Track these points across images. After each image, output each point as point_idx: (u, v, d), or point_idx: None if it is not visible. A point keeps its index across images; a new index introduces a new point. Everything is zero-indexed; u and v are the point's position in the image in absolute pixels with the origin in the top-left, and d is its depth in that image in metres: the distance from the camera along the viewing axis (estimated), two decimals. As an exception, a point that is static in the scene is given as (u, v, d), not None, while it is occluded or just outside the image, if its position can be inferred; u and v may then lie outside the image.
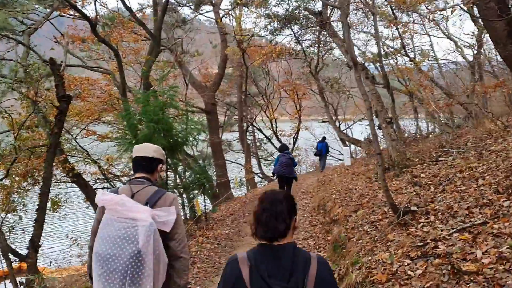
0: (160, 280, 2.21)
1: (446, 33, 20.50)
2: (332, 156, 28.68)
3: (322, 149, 16.85)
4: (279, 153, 9.50)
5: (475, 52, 18.63)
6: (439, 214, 4.33)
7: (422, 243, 3.75)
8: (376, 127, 11.73)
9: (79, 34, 16.09)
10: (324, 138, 17.53)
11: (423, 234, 3.95)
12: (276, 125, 23.06)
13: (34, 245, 6.17)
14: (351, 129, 24.74)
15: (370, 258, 4.05)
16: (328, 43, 19.00)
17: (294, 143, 23.08)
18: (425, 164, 7.46)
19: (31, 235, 6.32)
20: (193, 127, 7.72)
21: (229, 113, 23.88)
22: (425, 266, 3.37)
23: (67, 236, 9.53)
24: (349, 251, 4.82)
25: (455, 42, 20.07)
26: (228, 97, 24.02)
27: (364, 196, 6.86)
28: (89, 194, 12.46)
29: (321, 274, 1.63)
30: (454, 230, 3.75)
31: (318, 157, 17.72)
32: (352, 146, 20.43)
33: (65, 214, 11.45)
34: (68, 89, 13.70)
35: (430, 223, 4.19)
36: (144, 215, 2.16)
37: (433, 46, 27.58)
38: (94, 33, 9.59)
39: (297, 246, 1.72)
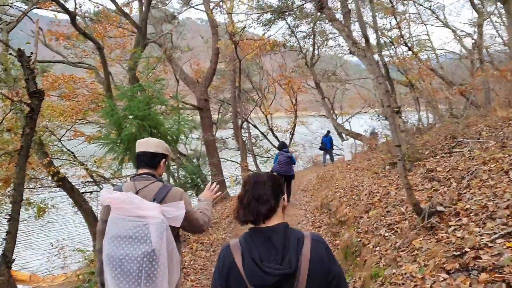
0: (175, 277, 2.15)
1: (443, 21, 19.95)
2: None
3: (326, 143, 16.76)
4: (278, 152, 9.69)
5: (474, 39, 18.12)
6: (471, 214, 3.69)
7: (458, 252, 3.11)
8: (381, 118, 11.12)
9: (63, 31, 15.35)
10: (328, 132, 17.35)
11: (457, 241, 3.30)
12: (271, 121, 22.37)
13: (7, 260, 5.45)
14: (349, 122, 24.10)
15: (394, 270, 3.41)
16: (323, 34, 18.37)
17: (290, 139, 22.40)
18: (438, 156, 6.83)
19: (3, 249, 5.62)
20: (182, 123, 7.03)
21: (223, 110, 23.15)
22: (468, 282, 2.72)
23: (52, 245, 8.78)
24: (365, 259, 4.18)
25: (453, 31, 19.53)
26: (221, 93, 23.28)
27: (374, 194, 6.21)
28: (76, 199, 11.73)
29: (315, 252, 1.55)
30: (497, 236, 3.10)
31: (322, 151, 17.50)
32: (351, 140, 19.82)
33: (48, 222, 10.70)
34: (51, 88, 12.97)
35: (463, 226, 3.54)
36: (154, 212, 2.09)
37: (429, 36, 26.93)
38: (74, 25, 8.88)
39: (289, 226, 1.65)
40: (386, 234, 4.31)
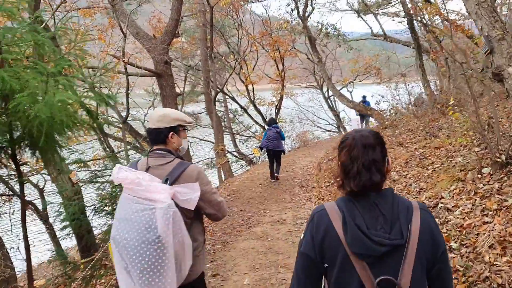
0: (187, 264, 1.99)
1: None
2: (318, 127, 24.62)
3: (370, 107, 14.36)
4: (267, 127, 9.48)
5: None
6: None
7: None
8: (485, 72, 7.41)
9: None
10: (364, 97, 14.71)
11: None
12: (253, 92, 18.36)
13: None
14: (350, 92, 20.37)
15: None
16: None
17: (277, 114, 18.52)
18: None
19: None
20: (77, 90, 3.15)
21: (194, 79, 18.99)
22: None
23: None
24: None
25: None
26: (191, 58, 19.09)
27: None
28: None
29: (425, 223, 1.35)
30: None
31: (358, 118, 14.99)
32: (352, 116, 16.24)
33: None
34: None
35: None
36: (162, 195, 1.91)
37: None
38: None
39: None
40: None
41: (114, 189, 5.10)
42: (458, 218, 3.47)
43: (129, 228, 1.88)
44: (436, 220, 3.59)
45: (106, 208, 5.14)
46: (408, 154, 6.60)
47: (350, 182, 1.38)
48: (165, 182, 2.02)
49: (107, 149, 10.14)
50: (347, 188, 1.40)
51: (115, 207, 5.21)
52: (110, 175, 5.33)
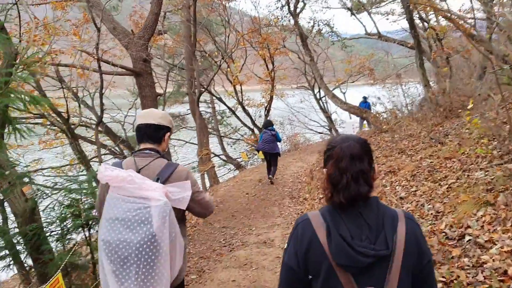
0: (177, 264, 1.94)
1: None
2: (310, 129, 23.80)
3: (366, 109, 14.21)
4: (263, 130, 9.36)
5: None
6: None
7: None
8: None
9: None
10: (365, 98, 14.52)
11: None
12: (242, 93, 17.39)
13: None
14: (344, 93, 19.52)
15: None
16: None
17: (266, 116, 17.60)
18: None
19: None
20: None
21: (179, 79, 17.99)
22: None
23: None
24: None
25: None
26: (177, 58, 18.11)
27: None
28: None
29: (411, 232, 1.30)
30: None
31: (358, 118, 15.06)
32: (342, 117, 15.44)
33: None
34: None
35: None
36: (156, 193, 1.86)
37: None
38: None
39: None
40: None
41: (63, 210, 4.20)
42: (496, 260, 2.64)
43: (122, 228, 1.79)
44: (466, 259, 2.78)
45: (53, 233, 4.23)
46: (413, 164, 5.78)
47: (339, 194, 1.33)
48: (157, 181, 1.96)
49: (77, 153, 9.16)
50: (336, 201, 1.34)
51: (65, 232, 4.30)
52: (64, 189, 4.42)
